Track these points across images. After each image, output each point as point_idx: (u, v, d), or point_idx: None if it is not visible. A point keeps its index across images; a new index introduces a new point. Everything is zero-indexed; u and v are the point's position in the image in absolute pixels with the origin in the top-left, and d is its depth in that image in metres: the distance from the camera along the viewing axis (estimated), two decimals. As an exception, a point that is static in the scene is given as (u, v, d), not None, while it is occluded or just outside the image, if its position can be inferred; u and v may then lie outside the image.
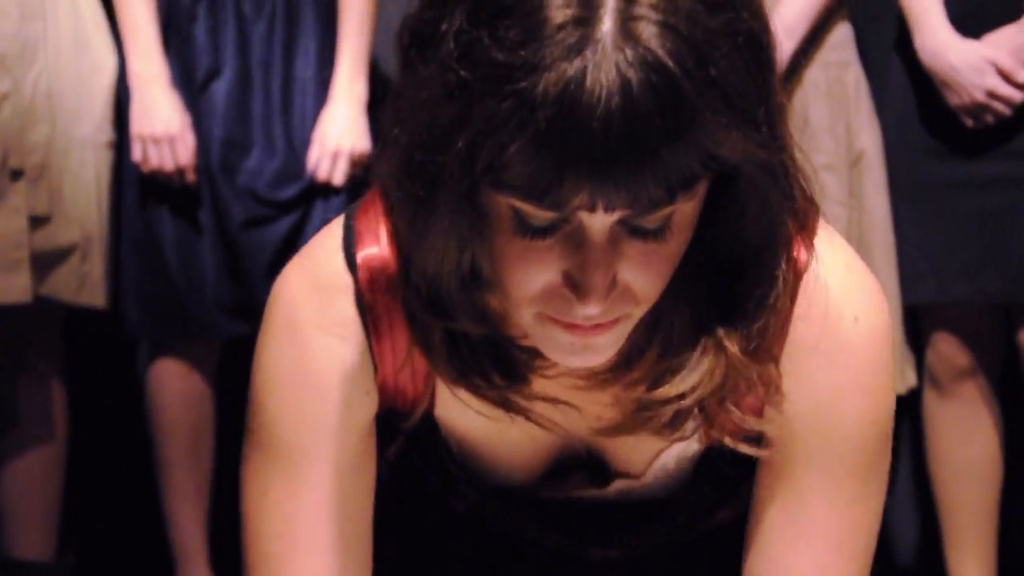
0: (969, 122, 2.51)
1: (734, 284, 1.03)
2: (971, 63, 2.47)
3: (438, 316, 1.05)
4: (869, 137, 2.63)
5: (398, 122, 0.99)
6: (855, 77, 2.65)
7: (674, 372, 1.05)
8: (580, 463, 1.18)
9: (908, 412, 2.68)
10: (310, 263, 1.14)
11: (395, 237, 1.08)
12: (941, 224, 2.55)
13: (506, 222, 0.96)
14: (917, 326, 2.67)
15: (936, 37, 2.50)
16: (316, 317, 1.12)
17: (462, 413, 1.14)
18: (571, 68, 0.90)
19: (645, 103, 0.90)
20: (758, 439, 1.11)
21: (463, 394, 1.10)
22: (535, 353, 1.06)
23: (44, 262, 2.52)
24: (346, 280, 1.12)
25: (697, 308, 1.04)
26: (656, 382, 1.05)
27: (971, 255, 2.52)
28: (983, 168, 2.52)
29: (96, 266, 2.59)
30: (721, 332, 1.03)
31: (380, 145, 1.06)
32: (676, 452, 1.16)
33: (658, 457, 1.16)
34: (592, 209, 0.93)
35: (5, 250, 2.47)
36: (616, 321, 0.99)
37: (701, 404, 1.06)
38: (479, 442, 1.18)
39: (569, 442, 1.17)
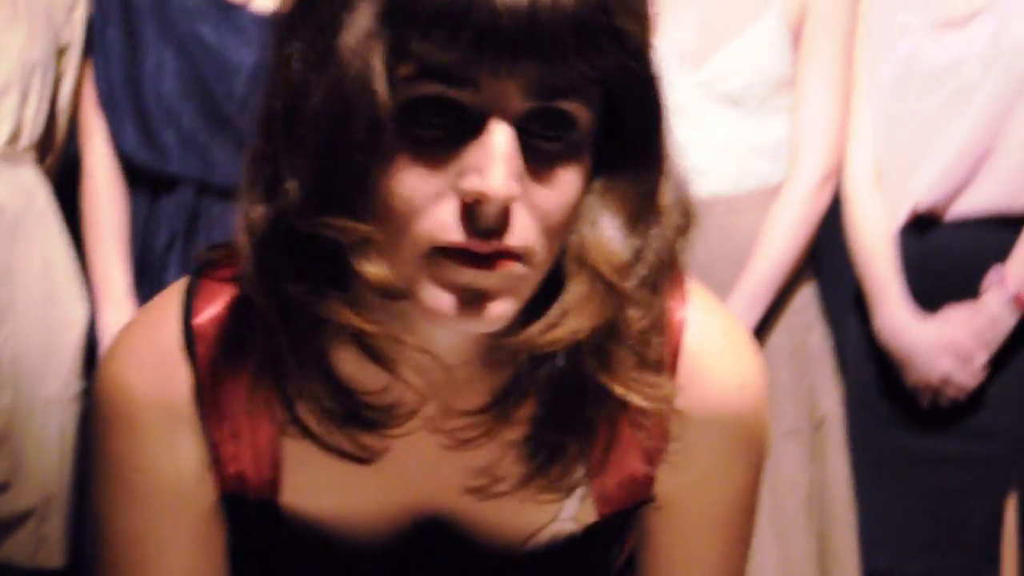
0: (926, 401, 2.53)
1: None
2: (928, 346, 2.50)
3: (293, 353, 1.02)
4: (831, 400, 2.66)
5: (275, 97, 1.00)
6: (818, 339, 2.67)
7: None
8: (445, 541, 1.15)
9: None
10: (143, 332, 1.11)
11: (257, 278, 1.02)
12: (897, 497, 2.58)
13: (402, 146, 0.95)
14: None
15: (894, 316, 2.53)
16: (148, 402, 1.09)
17: (314, 495, 1.12)
18: None
19: None
20: (647, 500, 1.15)
21: (315, 470, 1.08)
22: (388, 412, 1.05)
23: (0, 529, 2.49)
24: (182, 358, 1.08)
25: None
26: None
27: (926, 532, 2.55)
28: (941, 445, 2.55)
29: (55, 527, 2.54)
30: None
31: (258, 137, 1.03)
32: (550, 532, 1.16)
33: (533, 536, 1.16)
34: (495, 75, 0.93)
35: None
36: (510, 265, 0.97)
37: (587, 467, 1.09)
38: (333, 525, 1.14)
39: (431, 514, 1.14)
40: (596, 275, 1.01)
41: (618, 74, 0.97)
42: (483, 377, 1.09)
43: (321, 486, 1.12)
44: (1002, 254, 2.45)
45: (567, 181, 0.98)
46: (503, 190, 0.94)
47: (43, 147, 2.63)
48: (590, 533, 1.17)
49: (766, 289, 2.57)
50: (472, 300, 0.98)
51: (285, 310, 1.01)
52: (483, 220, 0.95)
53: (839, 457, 2.64)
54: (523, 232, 0.97)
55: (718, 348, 1.13)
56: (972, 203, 2.47)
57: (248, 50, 2.67)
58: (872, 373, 2.61)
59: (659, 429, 1.12)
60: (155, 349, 1.10)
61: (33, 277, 2.53)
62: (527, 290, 1.00)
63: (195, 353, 1.09)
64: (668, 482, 1.15)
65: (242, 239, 1.01)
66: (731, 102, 2.59)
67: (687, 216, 1.05)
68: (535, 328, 1.01)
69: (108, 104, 2.67)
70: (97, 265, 2.63)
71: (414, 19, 0.92)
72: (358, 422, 1.06)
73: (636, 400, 1.05)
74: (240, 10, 2.68)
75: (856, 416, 2.64)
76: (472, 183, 0.94)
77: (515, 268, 0.97)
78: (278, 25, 1.00)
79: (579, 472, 1.10)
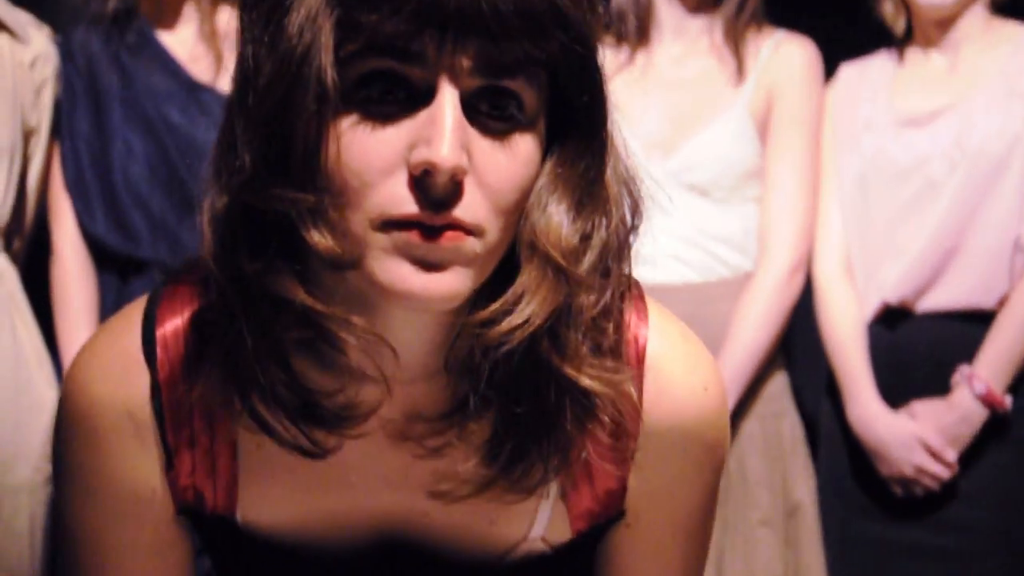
0: (899, 491, 2.51)
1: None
2: (900, 439, 2.48)
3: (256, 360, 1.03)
4: (805, 487, 2.64)
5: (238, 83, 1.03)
6: (791, 426, 2.66)
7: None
8: (411, 559, 1.15)
9: None
10: (107, 340, 1.13)
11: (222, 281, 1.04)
12: (870, 587, 2.55)
13: (351, 111, 0.98)
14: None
15: (866, 408, 2.52)
16: (108, 406, 1.10)
17: (272, 509, 1.12)
18: None
19: None
20: (620, 515, 1.17)
21: (272, 484, 1.09)
22: (345, 409, 1.06)
23: (-32, 618, 2.48)
24: (142, 363, 1.10)
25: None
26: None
27: (898, 625, 2.52)
28: (915, 535, 2.52)
29: (26, 615, 2.55)
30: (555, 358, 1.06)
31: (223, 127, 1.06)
32: (521, 552, 1.16)
33: (503, 556, 1.16)
34: (441, 45, 0.96)
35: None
36: (461, 238, 0.99)
37: (561, 483, 1.11)
38: (293, 540, 1.14)
39: (397, 528, 1.14)
40: (547, 259, 1.02)
41: (562, 57, 1.00)
42: (442, 381, 1.10)
43: (279, 500, 1.12)
44: (971, 347, 2.45)
45: (515, 160, 1.01)
46: (451, 159, 0.96)
47: (10, 231, 2.61)
48: (560, 554, 1.17)
49: (738, 379, 2.56)
50: (423, 270, 0.99)
51: (244, 294, 1.02)
52: (433, 191, 0.97)
53: (813, 545, 2.62)
54: (474, 208, 0.99)
55: (680, 354, 1.15)
56: (940, 298, 2.47)
57: (215, 132, 2.65)
58: (846, 462, 2.59)
59: (626, 434, 1.13)
60: (117, 355, 1.11)
61: (3, 364, 2.51)
62: (480, 267, 1.01)
63: (155, 359, 1.10)
64: (638, 491, 1.16)
65: (204, 225, 1.05)
66: (699, 192, 2.59)
67: (636, 209, 1.08)
68: (490, 310, 1.03)
69: (76, 187, 2.66)
70: (67, 347, 2.61)
71: None
72: (313, 418, 1.06)
73: (589, 383, 1.06)
74: (207, 91, 2.68)
75: (830, 504, 2.62)
76: (420, 154, 0.97)
77: (467, 241, 0.99)
78: (240, 13, 1.03)
79: (544, 476, 1.10)
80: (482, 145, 1.00)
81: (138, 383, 1.11)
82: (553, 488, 1.14)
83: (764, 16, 2.65)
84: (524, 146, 1.01)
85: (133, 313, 1.13)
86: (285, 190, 0.98)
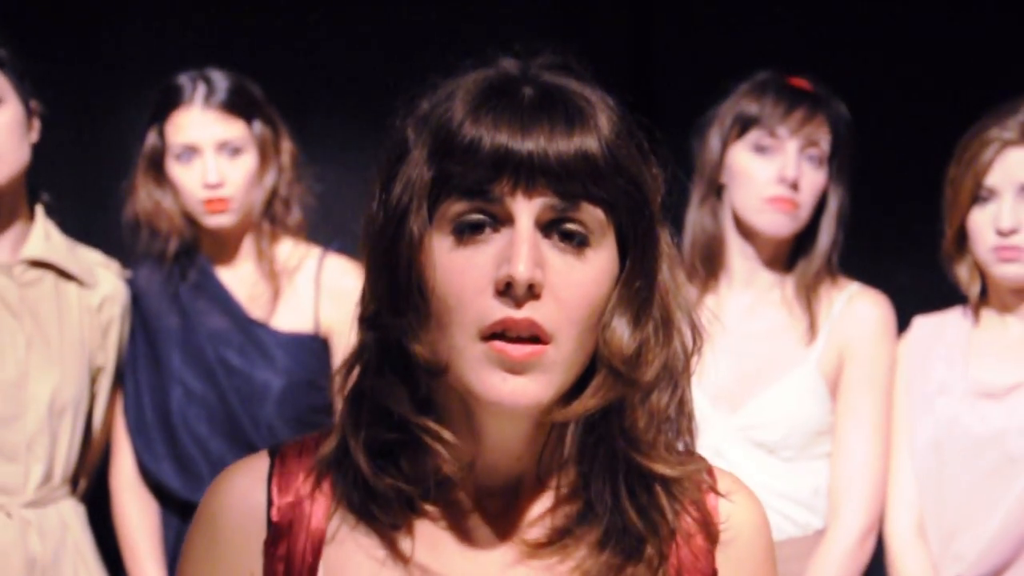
0: None
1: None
2: None
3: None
4: None
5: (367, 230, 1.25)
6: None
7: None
8: None
9: None
10: (237, 465, 1.31)
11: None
12: None
13: (447, 241, 1.20)
14: None
15: None
16: (225, 492, 1.29)
17: None
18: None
19: (550, 98, 1.21)
20: None
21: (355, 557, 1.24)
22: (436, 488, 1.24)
23: None
24: (263, 461, 1.29)
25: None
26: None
27: None
28: None
29: None
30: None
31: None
32: None
33: None
34: (515, 186, 1.18)
35: None
36: (541, 351, 1.18)
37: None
38: None
39: None
40: (608, 364, 1.22)
41: (619, 196, 1.21)
42: (534, 491, 1.28)
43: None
44: (1051, 631, 2.36)
45: (584, 278, 1.20)
46: (527, 273, 1.17)
47: (75, 475, 2.63)
48: None
49: None
50: (511, 374, 1.18)
51: (358, 404, 1.25)
52: (515, 298, 1.18)
53: None
54: (548, 314, 1.18)
55: (737, 479, 1.33)
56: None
57: (273, 374, 2.67)
58: None
59: (711, 528, 1.29)
60: (244, 462, 1.32)
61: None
62: (558, 375, 1.20)
63: (275, 458, 1.30)
64: None
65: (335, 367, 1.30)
66: (767, 450, 2.54)
67: (695, 331, 1.27)
68: (564, 404, 1.22)
69: (139, 429, 2.70)
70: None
71: (450, 153, 1.19)
72: (410, 506, 1.25)
73: (664, 470, 1.24)
74: (263, 327, 2.71)
75: None
76: (503, 270, 1.18)
77: (546, 352, 1.19)
78: (370, 182, 1.26)
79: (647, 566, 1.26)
80: (556, 265, 1.19)
81: (257, 475, 1.29)
82: None
83: (838, 267, 2.62)
84: (591, 265, 1.21)
85: (262, 452, 1.32)
86: (397, 316, 1.21)
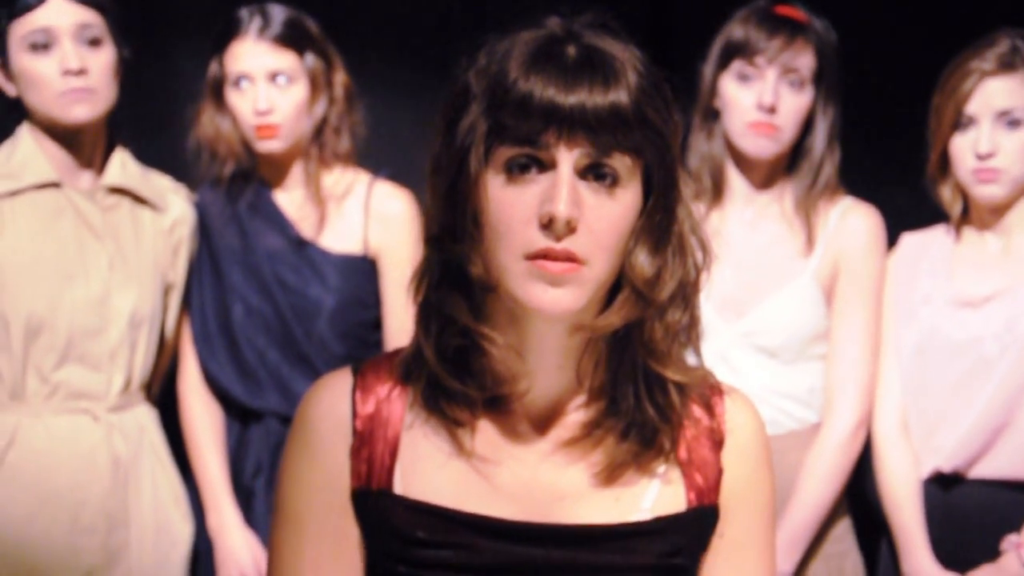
0: None
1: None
2: None
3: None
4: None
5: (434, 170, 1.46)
6: (853, 565, 2.86)
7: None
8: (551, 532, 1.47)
9: None
10: (325, 379, 1.54)
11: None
12: None
13: (499, 179, 1.41)
14: None
15: (919, 564, 2.70)
16: (316, 405, 1.51)
17: (425, 481, 1.47)
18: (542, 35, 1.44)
19: (589, 60, 1.40)
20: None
21: (426, 466, 1.47)
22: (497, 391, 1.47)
23: None
24: (347, 377, 1.52)
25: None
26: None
27: None
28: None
29: None
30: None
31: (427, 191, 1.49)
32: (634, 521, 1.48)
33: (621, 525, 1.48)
34: (559, 137, 1.39)
35: None
36: (576, 268, 1.39)
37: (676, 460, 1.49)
38: (440, 511, 1.47)
39: (533, 509, 1.48)
40: (632, 286, 1.44)
41: (645, 144, 1.42)
42: (573, 392, 1.50)
43: (433, 475, 1.48)
44: (1020, 514, 2.62)
45: (613, 212, 1.42)
46: (566, 211, 1.39)
47: (150, 382, 2.91)
48: (665, 523, 1.49)
49: (805, 532, 2.77)
50: (550, 286, 1.40)
51: (426, 314, 1.48)
52: (555, 232, 1.39)
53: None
54: (583, 243, 1.40)
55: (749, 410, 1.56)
56: (990, 468, 2.64)
57: (324, 291, 2.91)
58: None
59: (718, 424, 1.52)
60: (329, 376, 1.54)
61: (144, 512, 2.79)
62: (589, 289, 1.41)
63: (357, 374, 1.52)
64: (727, 489, 1.51)
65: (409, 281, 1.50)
66: (768, 354, 2.80)
67: (704, 250, 1.48)
68: (592, 320, 1.45)
69: (203, 341, 2.94)
70: (201, 475, 2.93)
71: (504, 105, 1.40)
72: (473, 388, 1.48)
73: (675, 375, 1.47)
74: (312, 246, 2.92)
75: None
76: (546, 208, 1.39)
77: (579, 270, 1.40)
78: (434, 128, 1.48)
79: (663, 454, 1.49)
80: (590, 201, 1.41)
81: (341, 388, 1.52)
82: (662, 468, 1.50)
83: (839, 184, 2.84)
84: (619, 203, 1.42)
85: (345, 368, 1.54)
86: (456, 241, 1.43)
